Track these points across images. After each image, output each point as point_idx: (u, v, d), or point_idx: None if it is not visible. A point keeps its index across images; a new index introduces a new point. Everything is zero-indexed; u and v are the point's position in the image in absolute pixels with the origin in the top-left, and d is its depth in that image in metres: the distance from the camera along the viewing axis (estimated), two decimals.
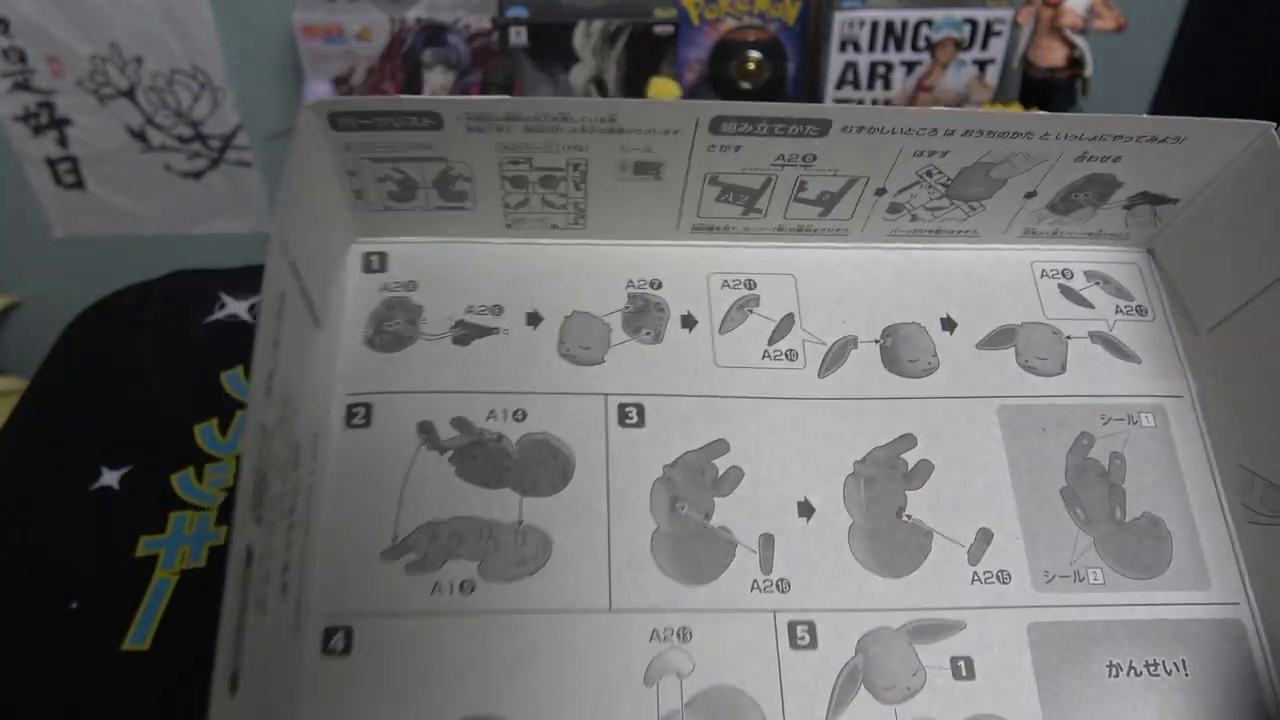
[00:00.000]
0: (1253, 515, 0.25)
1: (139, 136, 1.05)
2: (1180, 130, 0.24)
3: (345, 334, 0.27)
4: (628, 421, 0.26)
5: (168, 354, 0.39)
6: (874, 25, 0.97)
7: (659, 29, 0.97)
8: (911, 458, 0.26)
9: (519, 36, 0.96)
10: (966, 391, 0.27)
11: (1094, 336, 0.28)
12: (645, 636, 0.24)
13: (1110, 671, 0.24)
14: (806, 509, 0.26)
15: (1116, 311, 0.28)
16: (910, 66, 0.99)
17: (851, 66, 0.99)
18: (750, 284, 0.28)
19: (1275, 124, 0.24)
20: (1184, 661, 0.24)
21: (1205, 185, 0.26)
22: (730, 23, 1.01)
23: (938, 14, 0.96)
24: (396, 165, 0.25)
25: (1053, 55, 0.95)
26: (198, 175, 1.08)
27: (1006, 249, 0.29)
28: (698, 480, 0.26)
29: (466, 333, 0.27)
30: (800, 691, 0.24)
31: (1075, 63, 0.95)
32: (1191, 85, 1.18)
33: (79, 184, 1.07)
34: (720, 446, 0.26)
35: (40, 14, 0.96)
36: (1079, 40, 0.93)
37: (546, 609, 0.24)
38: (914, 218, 0.28)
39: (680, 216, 0.27)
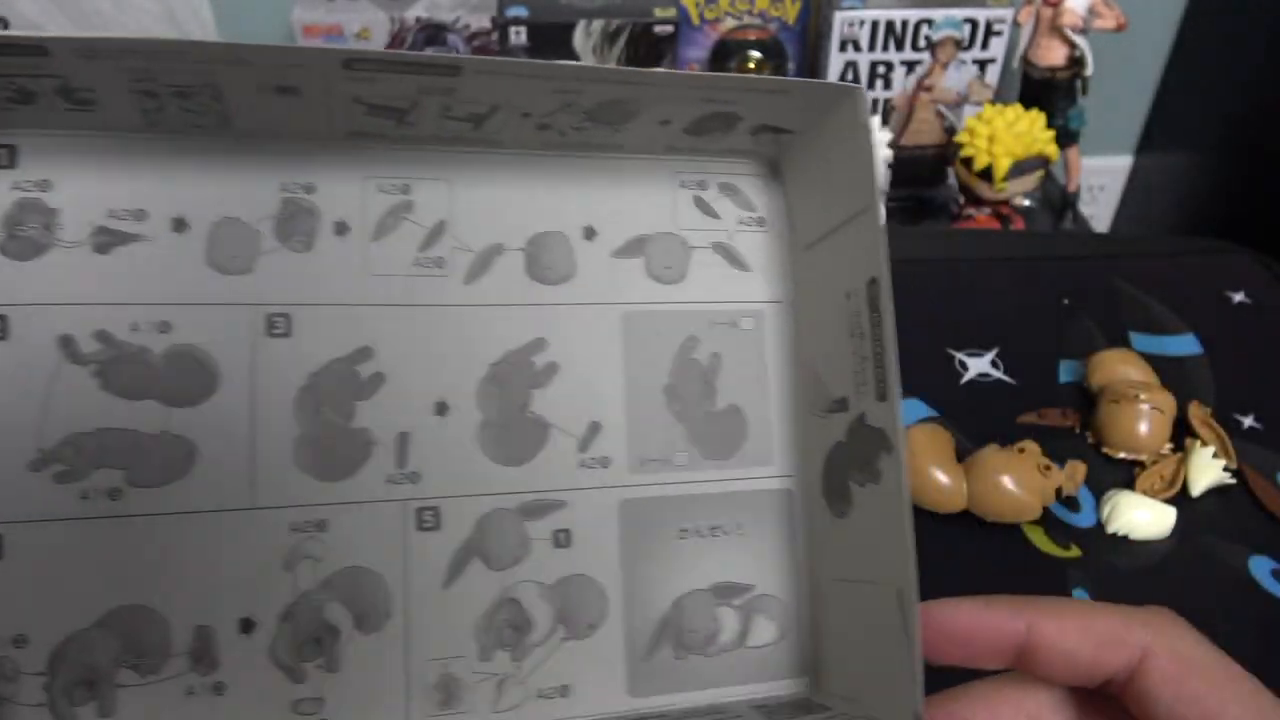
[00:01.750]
0: (812, 410, 0.29)
1: None
2: (784, 87, 0.27)
3: None
4: (275, 331, 0.27)
5: None
6: (874, 25, 0.97)
7: (659, 29, 0.97)
8: (541, 359, 0.29)
9: (519, 36, 0.96)
10: (597, 299, 0.30)
11: (716, 247, 0.31)
12: (286, 529, 0.26)
13: (681, 535, 0.29)
14: (443, 408, 0.28)
15: (739, 223, 0.31)
16: (910, 66, 0.99)
17: (851, 66, 0.99)
18: (405, 188, 0.29)
19: (862, 86, 0.27)
20: (741, 523, 0.29)
21: (813, 124, 0.29)
22: (730, 22, 1.01)
23: (938, 14, 0.96)
24: (9, 79, 0.24)
25: (1053, 55, 0.95)
26: None
27: (651, 158, 0.31)
28: (341, 386, 0.27)
29: (108, 240, 0.26)
30: (422, 567, 0.27)
31: (1075, 62, 0.95)
32: (1191, 85, 1.18)
33: None
34: (365, 353, 0.28)
35: (40, 14, 0.97)
36: (1079, 40, 0.94)
37: (193, 509, 0.26)
38: (563, 134, 0.29)
39: (333, 123, 0.27)
